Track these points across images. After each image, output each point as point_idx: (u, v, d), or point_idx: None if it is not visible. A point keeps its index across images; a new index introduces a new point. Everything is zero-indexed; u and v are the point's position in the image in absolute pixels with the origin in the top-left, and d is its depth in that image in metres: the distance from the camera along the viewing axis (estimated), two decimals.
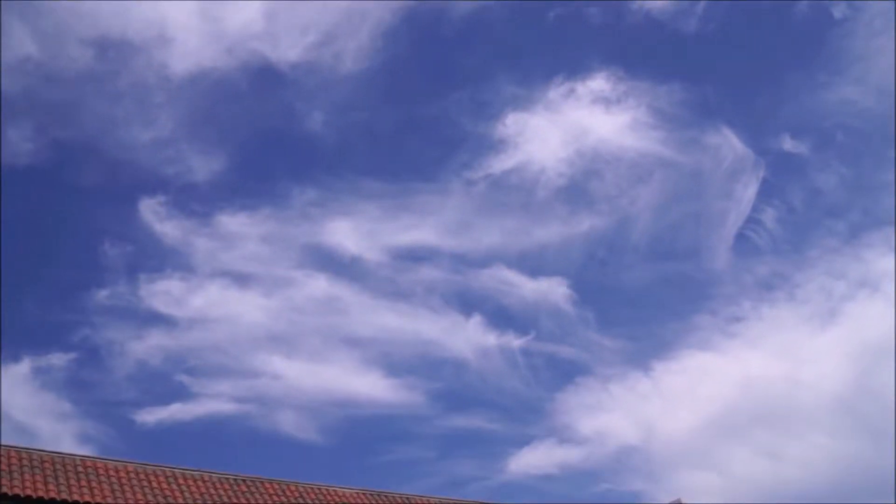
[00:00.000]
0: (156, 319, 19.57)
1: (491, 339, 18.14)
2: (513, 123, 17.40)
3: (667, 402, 20.46)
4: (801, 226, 17.78)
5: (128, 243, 18.60)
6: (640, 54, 18.19)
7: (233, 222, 18.10)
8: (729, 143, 17.39)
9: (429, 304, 17.70)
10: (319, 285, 18.47)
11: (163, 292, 20.08)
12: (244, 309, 19.23)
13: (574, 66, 17.49)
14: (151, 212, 18.50)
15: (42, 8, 16.65)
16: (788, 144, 17.61)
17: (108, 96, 17.51)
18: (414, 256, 17.74)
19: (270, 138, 18.33)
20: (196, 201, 18.31)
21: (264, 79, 17.40)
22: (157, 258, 18.99)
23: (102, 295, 19.51)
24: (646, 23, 17.48)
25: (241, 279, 18.47)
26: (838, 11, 16.84)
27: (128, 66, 17.30)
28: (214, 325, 19.46)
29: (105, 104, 17.62)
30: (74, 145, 17.89)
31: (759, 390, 21.68)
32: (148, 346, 19.41)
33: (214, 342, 18.84)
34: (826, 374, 21.05)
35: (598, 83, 17.35)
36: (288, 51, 17.06)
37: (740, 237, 17.73)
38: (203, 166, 17.64)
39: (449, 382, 18.24)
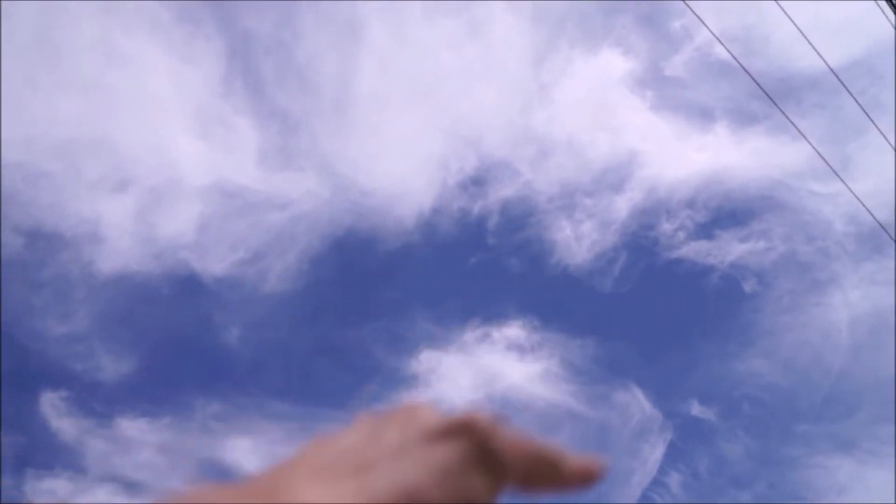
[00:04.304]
0: None
1: None
2: (426, 360, 17.40)
3: None
4: (705, 493, 17.62)
5: (21, 435, 17.79)
6: (556, 307, 18.59)
7: (132, 427, 17.44)
8: (637, 403, 17.50)
9: None
10: None
11: (48, 491, 19.03)
12: None
13: (491, 312, 17.78)
14: (51, 405, 17.87)
15: None
16: (696, 410, 17.77)
17: (30, 285, 17.28)
18: None
19: (184, 347, 18.05)
20: (98, 401, 17.71)
21: (187, 288, 17.37)
22: (49, 454, 18.12)
23: None
24: (563, 277, 17.96)
25: (132, 487, 17.63)
26: (749, 286, 17.54)
27: (55, 259, 17.17)
28: None
29: (25, 292, 17.35)
30: None
31: None
32: None
33: None
34: None
35: (514, 331, 17.55)
36: (215, 264, 17.15)
37: (645, 498, 17.48)
38: (112, 366, 17.22)
39: None
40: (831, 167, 9.86)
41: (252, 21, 16.57)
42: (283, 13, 16.58)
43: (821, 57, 9.28)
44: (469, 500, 0.43)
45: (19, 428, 18.19)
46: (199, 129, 17.00)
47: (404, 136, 18.01)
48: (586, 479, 0.49)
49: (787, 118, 9.50)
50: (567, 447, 0.50)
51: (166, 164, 17.27)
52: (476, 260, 18.17)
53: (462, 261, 18.20)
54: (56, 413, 18.22)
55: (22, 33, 15.43)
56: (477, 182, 17.57)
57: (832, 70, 9.48)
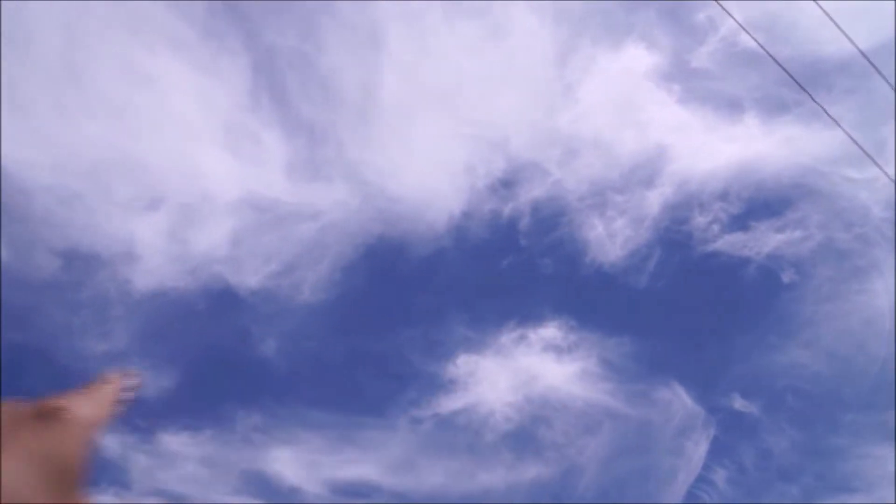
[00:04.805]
0: None
1: None
2: (464, 365, 17.33)
3: None
4: (753, 488, 17.39)
5: None
6: (591, 306, 18.44)
7: (175, 441, 17.59)
8: (679, 399, 17.30)
9: None
10: None
11: None
12: None
13: (526, 314, 17.66)
14: None
15: (16, 217, 16.89)
16: (739, 404, 17.54)
17: (69, 306, 17.46)
18: (354, 491, 17.14)
19: (223, 360, 18.16)
20: (141, 417, 17.87)
21: (223, 302, 17.47)
22: (94, 471, 18.33)
23: None
24: (597, 276, 17.81)
25: (176, 500, 17.83)
26: (787, 276, 17.29)
27: (92, 279, 17.35)
28: None
29: (64, 313, 17.53)
30: (28, 349, 17.66)
31: None
32: None
33: None
34: None
35: (550, 331, 17.44)
36: (249, 277, 17.24)
37: (691, 496, 17.28)
38: (152, 382, 17.37)
39: None
40: (865, 152, 9.69)
41: (275, 34, 16.62)
42: (305, 25, 16.61)
43: (850, 40, 9.13)
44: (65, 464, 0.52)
45: None
46: (227, 144, 17.09)
47: (431, 141, 18.00)
48: (128, 388, 0.62)
49: (818, 104, 9.36)
50: (107, 378, 0.63)
51: (196, 180, 17.37)
52: (509, 262, 18.08)
53: (495, 263, 18.12)
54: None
55: (47, 59, 15.59)
56: (506, 184, 17.50)
57: (862, 53, 9.33)
